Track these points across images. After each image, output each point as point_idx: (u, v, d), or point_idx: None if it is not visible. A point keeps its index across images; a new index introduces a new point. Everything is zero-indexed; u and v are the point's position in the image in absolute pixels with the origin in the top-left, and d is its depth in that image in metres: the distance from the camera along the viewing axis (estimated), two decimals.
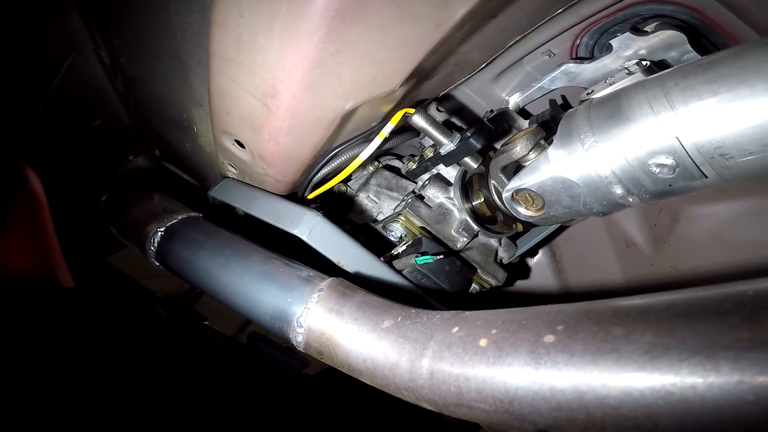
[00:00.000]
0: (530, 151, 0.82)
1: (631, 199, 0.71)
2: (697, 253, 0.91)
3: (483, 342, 0.54)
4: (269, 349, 2.06)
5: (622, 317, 0.44)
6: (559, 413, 0.44)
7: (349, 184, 1.17)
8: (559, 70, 0.98)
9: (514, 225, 0.96)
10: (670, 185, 0.66)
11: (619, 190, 0.70)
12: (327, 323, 0.72)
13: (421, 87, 0.94)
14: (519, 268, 1.20)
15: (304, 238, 0.85)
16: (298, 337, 0.75)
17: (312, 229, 0.86)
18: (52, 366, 0.54)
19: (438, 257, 0.88)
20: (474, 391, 0.52)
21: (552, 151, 0.75)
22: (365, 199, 1.13)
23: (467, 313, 0.63)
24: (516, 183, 0.81)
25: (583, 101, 0.83)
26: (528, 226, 0.96)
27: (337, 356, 0.71)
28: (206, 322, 2.06)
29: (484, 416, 0.53)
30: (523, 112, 1.08)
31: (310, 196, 0.99)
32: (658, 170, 0.65)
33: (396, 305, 0.69)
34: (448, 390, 0.55)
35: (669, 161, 0.64)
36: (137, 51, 0.87)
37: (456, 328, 0.59)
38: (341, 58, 0.61)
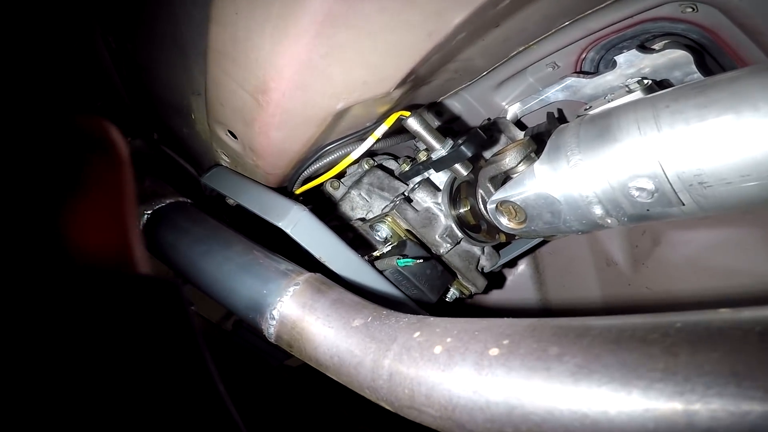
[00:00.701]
0: (519, 163, 0.82)
1: (609, 221, 0.71)
2: (673, 276, 0.91)
3: (438, 349, 0.55)
4: (253, 338, 2.06)
5: (561, 337, 0.45)
6: (492, 425, 0.46)
7: (342, 180, 1.18)
8: (561, 84, 0.97)
9: (497, 235, 0.97)
10: (647, 210, 0.66)
11: (598, 211, 0.70)
12: (299, 317, 0.73)
13: (419, 91, 0.95)
14: (500, 278, 1.21)
15: (288, 231, 0.86)
16: (270, 329, 0.76)
17: (296, 223, 0.87)
18: (126, 368, 0.44)
19: (418, 260, 0.89)
20: (424, 395, 0.54)
21: (538, 166, 0.75)
22: (357, 197, 1.14)
23: (431, 319, 0.64)
24: (501, 195, 0.81)
25: (580, 116, 0.83)
26: (510, 237, 0.96)
27: (306, 350, 0.73)
28: (192, 308, 2.06)
29: (431, 421, 0.54)
30: (520, 124, 1.08)
31: (299, 191, 1.00)
32: (637, 194, 0.65)
33: (369, 305, 0.70)
34: (402, 392, 0.57)
35: (649, 186, 0.64)
36: (143, 38, 0.87)
37: (417, 333, 0.60)
38: (331, 61, 0.61)
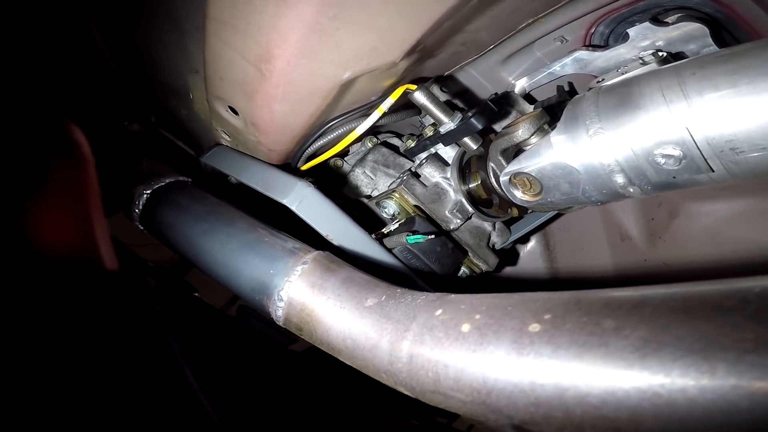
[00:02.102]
0: (532, 135, 0.79)
1: (631, 189, 0.69)
2: (693, 250, 0.89)
3: (465, 327, 0.51)
4: (257, 323, 2.04)
5: (614, 309, 0.41)
6: (537, 409, 0.42)
7: (345, 158, 1.15)
8: (570, 57, 0.95)
9: (509, 210, 0.93)
10: (674, 177, 0.64)
11: (620, 180, 0.68)
12: (308, 298, 0.69)
13: (425, 64, 0.91)
14: (510, 255, 1.19)
15: (293, 208, 0.83)
16: (278, 311, 0.73)
17: (302, 199, 0.83)
18: (93, 361, 0.46)
19: (429, 237, 0.86)
20: (452, 379, 0.50)
21: (555, 136, 0.72)
22: (361, 175, 1.10)
23: (452, 296, 0.60)
24: (515, 166, 0.78)
25: (591, 88, 0.80)
26: (523, 211, 0.94)
27: (317, 333, 0.69)
28: (196, 294, 2.04)
29: (460, 406, 0.50)
30: (528, 98, 1.05)
31: (304, 167, 0.96)
32: (663, 161, 0.63)
33: (382, 283, 0.67)
34: (425, 376, 0.53)
35: (676, 152, 0.61)
36: (136, 17, 0.83)
37: (439, 311, 0.57)
38: (339, 24, 0.58)
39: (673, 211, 0.93)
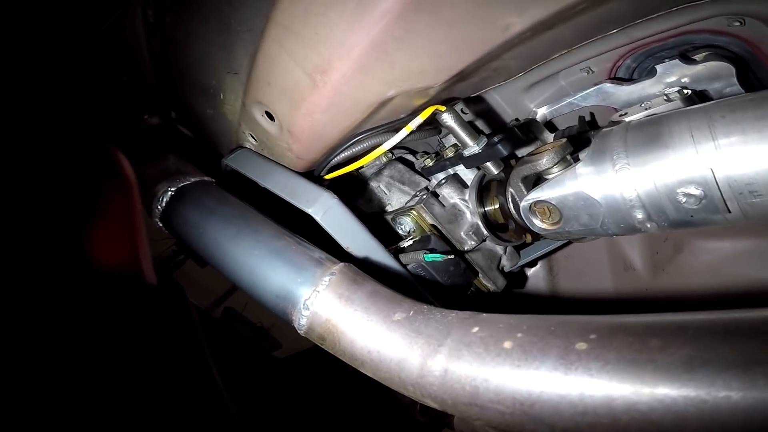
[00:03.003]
0: (555, 164, 0.82)
1: (648, 225, 0.73)
2: (694, 284, 0.94)
3: (507, 344, 0.54)
4: (242, 327, 2.03)
5: (657, 331, 0.46)
6: (583, 417, 0.46)
7: (360, 171, 1.17)
8: (594, 88, 0.96)
9: (523, 236, 0.97)
10: (691, 216, 0.68)
11: (640, 215, 0.72)
12: (335, 309, 0.71)
13: (455, 87, 0.94)
14: (517, 278, 1.22)
15: (318, 218, 0.84)
16: (302, 320, 0.74)
17: (327, 210, 0.85)
18: (135, 367, 0.52)
19: (448, 257, 0.89)
20: (492, 392, 0.53)
21: (580, 168, 0.76)
22: (376, 189, 1.13)
23: (485, 315, 0.63)
24: (537, 194, 0.81)
25: (614, 122, 0.84)
26: (536, 238, 0.97)
27: (341, 344, 0.71)
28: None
29: (497, 417, 0.53)
30: (549, 125, 1.08)
31: (328, 177, 0.98)
32: (684, 200, 0.67)
33: (407, 299, 0.69)
34: (462, 389, 0.56)
35: (697, 192, 0.65)
36: (185, 12, 0.84)
37: (476, 328, 0.59)
38: (401, 45, 0.60)
39: (679, 246, 0.98)
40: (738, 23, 0.77)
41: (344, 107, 0.74)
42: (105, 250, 0.56)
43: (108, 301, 0.53)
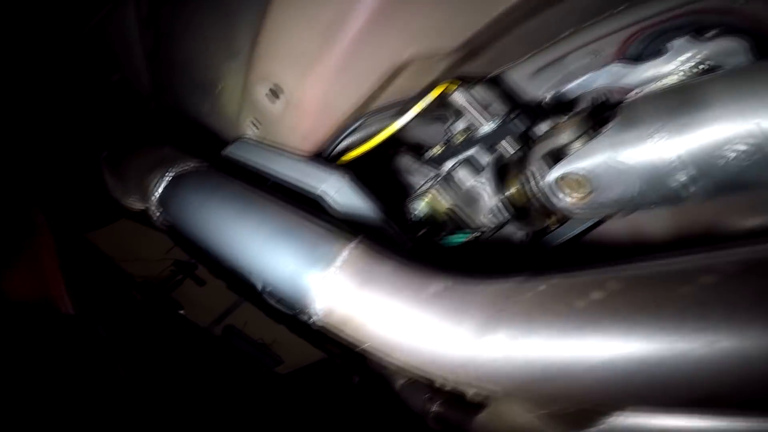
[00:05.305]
0: (578, 138, 0.78)
1: (692, 189, 0.68)
2: None
3: (598, 294, 0.47)
4: (243, 344, 1.95)
5: None
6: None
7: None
8: (604, 69, 0.95)
9: (547, 219, 0.91)
10: (740, 175, 0.63)
11: (682, 177, 0.66)
12: (357, 289, 0.62)
13: (463, 66, 0.90)
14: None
15: (332, 194, 0.78)
16: (317, 306, 0.66)
17: (340, 187, 0.79)
18: (47, 385, 0.62)
19: (469, 237, 0.83)
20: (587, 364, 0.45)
21: (610, 136, 0.71)
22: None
23: (548, 273, 0.55)
24: (565, 167, 0.76)
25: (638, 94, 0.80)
26: (563, 220, 0.92)
27: (365, 329, 0.62)
28: (182, 311, 1.94)
29: (581, 395, 0.46)
30: (559, 108, 1.05)
31: (342, 160, 0.93)
32: (733, 155, 0.62)
33: (441, 270, 0.62)
34: (534, 365, 0.48)
35: (745, 147, 0.61)
36: (180, 2, 0.81)
37: (543, 286, 0.52)
38: None
39: None
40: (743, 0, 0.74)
41: (357, 71, 0.69)
42: (17, 285, 0.71)
43: (18, 326, 0.65)
